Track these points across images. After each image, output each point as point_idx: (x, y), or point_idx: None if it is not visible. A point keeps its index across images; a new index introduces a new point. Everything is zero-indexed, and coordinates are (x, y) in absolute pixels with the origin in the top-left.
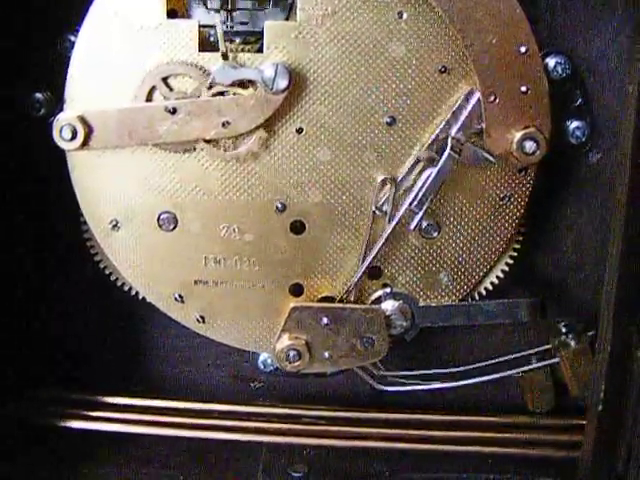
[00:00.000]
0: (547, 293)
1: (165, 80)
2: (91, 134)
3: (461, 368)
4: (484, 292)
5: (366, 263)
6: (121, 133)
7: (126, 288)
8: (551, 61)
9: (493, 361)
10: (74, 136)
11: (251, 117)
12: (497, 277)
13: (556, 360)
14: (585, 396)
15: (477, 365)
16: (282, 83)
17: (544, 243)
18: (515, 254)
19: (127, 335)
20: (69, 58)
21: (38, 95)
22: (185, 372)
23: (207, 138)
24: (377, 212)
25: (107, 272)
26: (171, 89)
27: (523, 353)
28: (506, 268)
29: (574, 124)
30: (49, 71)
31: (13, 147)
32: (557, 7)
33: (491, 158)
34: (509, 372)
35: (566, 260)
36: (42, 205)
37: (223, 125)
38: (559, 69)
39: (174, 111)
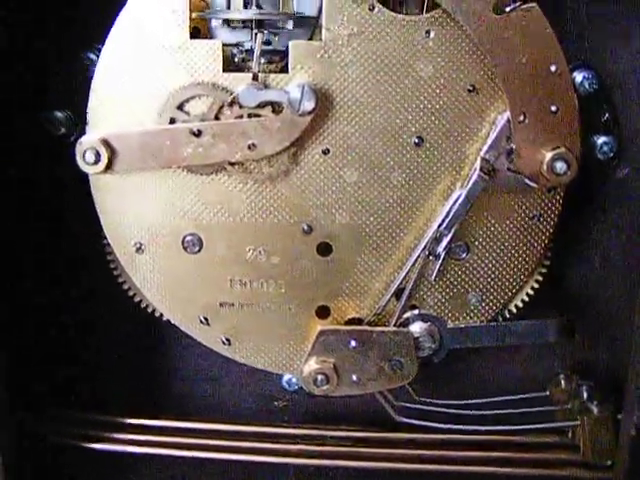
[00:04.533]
0: (574, 310)
1: (188, 101)
2: (114, 157)
3: (480, 400)
4: (513, 309)
5: (395, 285)
6: (145, 156)
7: (150, 310)
8: (578, 76)
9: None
10: (97, 160)
11: (277, 139)
12: (526, 294)
13: (577, 423)
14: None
15: (496, 399)
16: (309, 105)
17: (571, 258)
18: (544, 271)
19: (150, 355)
20: (89, 76)
21: (58, 114)
22: (209, 391)
23: (232, 161)
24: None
25: (131, 294)
26: (193, 110)
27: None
28: (536, 285)
29: (602, 139)
30: (69, 89)
31: (34, 167)
32: (584, 22)
33: (532, 184)
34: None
35: (593, 276)
36: (64, 226)
37: (249, 148)
38: (586, 84)
39: (199, 133)
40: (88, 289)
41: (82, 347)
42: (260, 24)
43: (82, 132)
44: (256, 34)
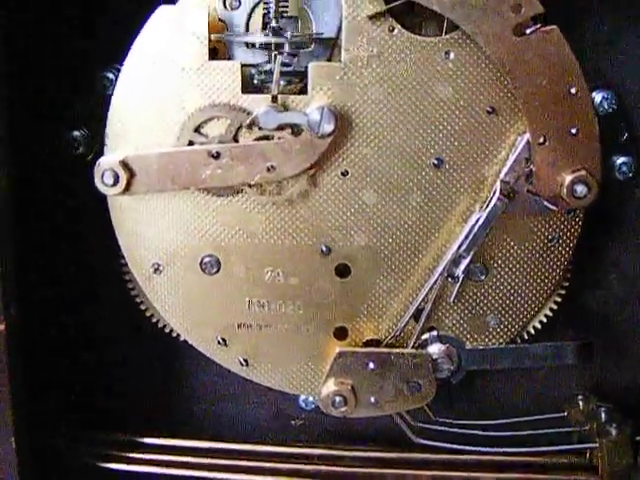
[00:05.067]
0: (592, 330)
1: (207, 122)
2: (133, 179)
3: (498, 421)
4: (532, 330)
5: (414, 307)
6: (163, 178)
7: (167, 330)
8: (597, 96)
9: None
10: (116, 181)
11: (296, 161)
12: (545, 315)
13: (595, 445)
14: None
15: (513, 420)
16: (328, 127)
17: (589, 278)
18: (563, 292)
19: (168, 374)
20: (107, 96)
21: (76, 133)
22: (226, 410)
23: (251, 183)
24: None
25: (148, 314)
26: (212, 132)
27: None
28: (554, 306)
29: (621, 160)
30: (87, 109)
31: (52, 186)
32: (603, 42)
33: (552, 207)
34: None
35: (612, 296)
36: (82, 245)
37: (268, 170)
38: (605, 104)
39: (218, 156)
40: (106, 308)
41: (99, 366)
42: (279, 45)
43: (100, 151)
44: (275, 56)
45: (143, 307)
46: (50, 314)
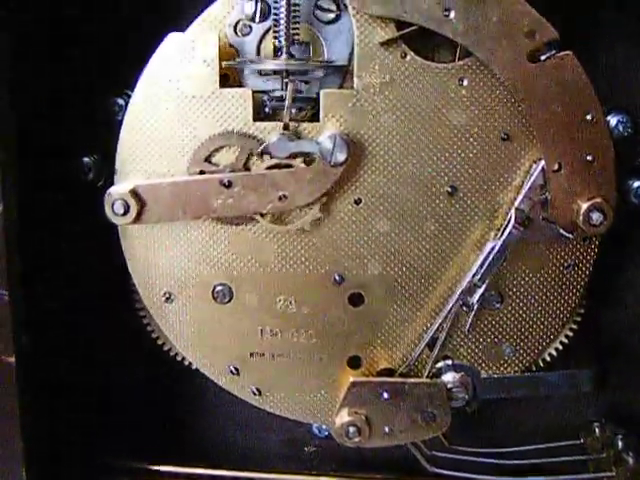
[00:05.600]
0: (608, 355)
1: (218, 151)
2: (144, 209)
3: (512, 448)
4: (547, 357)
5: (428, 336)
6: (174, 207)
7: (179, 358)
8: (612, 119)
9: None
10: (126, 211)
11: (309, 190)
12: (561, 342)
13: (612, 474)
14: None
15: (528, 447)
16: (341, 156)
17: (604, 301)
18: (579, 319)
19: (179, 401)
20: (117, 121)
21: (86, 159)
22: (238, 437)
23: (263, 212)
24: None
25: (160, 342)
26: (223, 160)
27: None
28: (570, 333)
29: (636, 183)
30: (97, 135)
31: (61, 212)
32: (618, 65)
33: (569, 235)
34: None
35: (628, 320)
36: (93, 272)
37: (280, 199)
38: (620, 127)
39: (229, 185)
40: (117, 335)
41: (111, 394)
42: (291, 72)
43: (110, 177)
44: (287, 83)
45: (154, 335)
46: (61, 342)
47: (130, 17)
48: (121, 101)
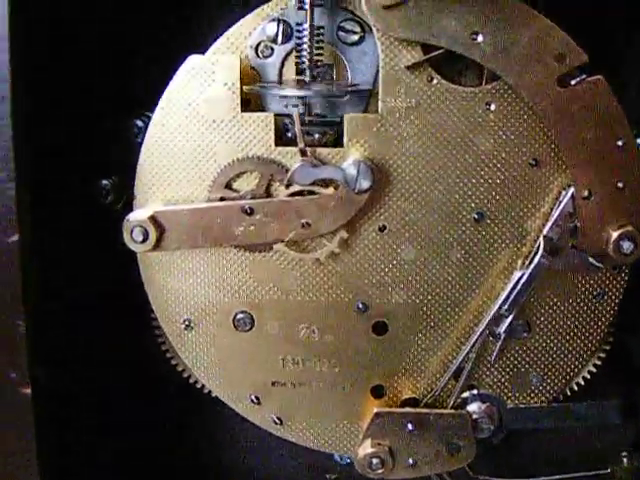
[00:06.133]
0: (636, 382)
1: (239, 176)
2: (163, 235)
3: (541, 478)
4: (574, 386)
5: (454, 366)
6: (195, 234)
7: (199, 385)
8: None
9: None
10: (145, 238)
11: (332, 218)
12: (588, 371)
13: None
14: None
15: (555, 477)
16: (365, 183)
17: (633, 330)
18: (607, 347)
19: (200, 426)
20: (137, 143)
21: (104, 181)
22: (259, 463)
23: (286, 240)
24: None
25: (179, 369)
26: (244, 186)
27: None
28: (598, 362)
29: None
30: (116, 157)
31: (79, 235)
32: None
33: (600, 265)
34: None
35: None
36: (110, 299)
37: (303, 226)
38: None
39: (251, 212)
40: (134, 359)
41: (131, 419)
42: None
43: (129, 200)
44: (306, 107)
45: (174, 362)
46: (77, 374)
47: (151, 38)
48: (140, 123)
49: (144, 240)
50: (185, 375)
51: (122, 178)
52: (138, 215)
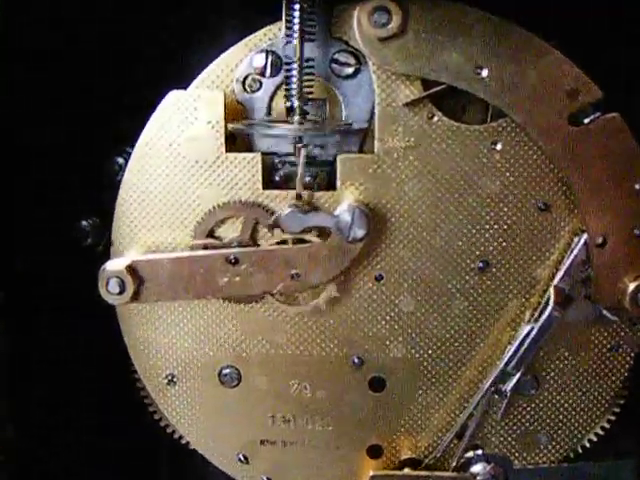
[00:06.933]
0: None
1: (224, 222)
2: (141, 287)
3: None
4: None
5: (457, 425)
6: (175, 286)
7: (184, 441)
8: None
9: None
10: (122, 290)
11: (324, 269)
12: (601, 427)
13: None
14: None
15: None
16: (360, 232)
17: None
18: (622, 401)
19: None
20: (117, 182)
21: (84, 223)
22: None
23: (273, 292)
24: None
25: (162, 424)
26: (228, 233)
27: None
28: (612, 417)
29: None
30: (96, 195)
31: (58, 280)
32: None
33: (614, 318)
34: None
35: None
36: (89, 349)
37: (292, 278)
38: None
39: (236, 261)
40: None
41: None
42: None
43: (109, 241)
44: (299, 149)
45: (157, 417)
46: (52, 431)
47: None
48: (121, 160)
49: (121, 292)
50: (169, 430)
51: (102, 218)
52: (115, 265)
